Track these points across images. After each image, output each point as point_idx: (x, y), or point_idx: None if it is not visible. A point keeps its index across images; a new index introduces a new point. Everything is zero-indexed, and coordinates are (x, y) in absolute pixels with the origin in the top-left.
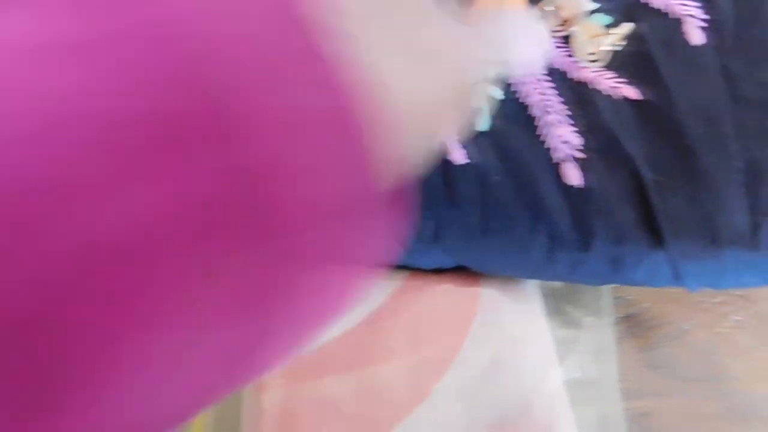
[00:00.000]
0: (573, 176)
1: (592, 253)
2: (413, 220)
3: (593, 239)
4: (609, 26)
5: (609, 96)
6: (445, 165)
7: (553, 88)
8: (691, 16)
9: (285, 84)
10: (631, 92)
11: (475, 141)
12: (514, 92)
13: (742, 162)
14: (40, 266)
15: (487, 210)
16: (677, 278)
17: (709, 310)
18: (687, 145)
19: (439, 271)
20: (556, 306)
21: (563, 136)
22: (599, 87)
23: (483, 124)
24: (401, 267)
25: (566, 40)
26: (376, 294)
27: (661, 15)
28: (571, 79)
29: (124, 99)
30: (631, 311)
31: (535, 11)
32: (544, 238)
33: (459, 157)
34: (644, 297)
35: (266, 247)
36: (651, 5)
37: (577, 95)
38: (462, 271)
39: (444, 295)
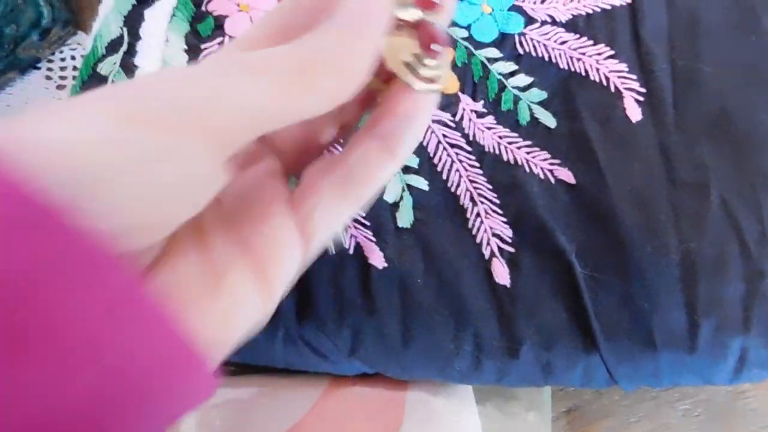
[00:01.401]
0: (501, 274)
1: (521, 359)
2: (330, 333)
3: (521, 345)
4: (543, 102)
5: (542, 180)
6: (362, 270)
7: (482, 174)
8: (630, 89)
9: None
10: (566, 175)
11: (396, 240)
12: (443, 180)
13: (678, 255)
14: None
15: (407, 318)
16: (612, 381)
17: (655, 399)
18: (621, 236)
19: (363, 376)
20: (492, 402)
21: (494, 228)
22: (534, 170)
23: (404, 219)
24: (323, 373)
25: (494, 107)
26: (299, 402)
27: (599, 88)
28: (504, 162)
29: None
30: (571, 404)
31: None
32: (468, 347)
33: (377, 260)
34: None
35: None
36: (590, 78)
37: (508, 179)
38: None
39: (368, 403)
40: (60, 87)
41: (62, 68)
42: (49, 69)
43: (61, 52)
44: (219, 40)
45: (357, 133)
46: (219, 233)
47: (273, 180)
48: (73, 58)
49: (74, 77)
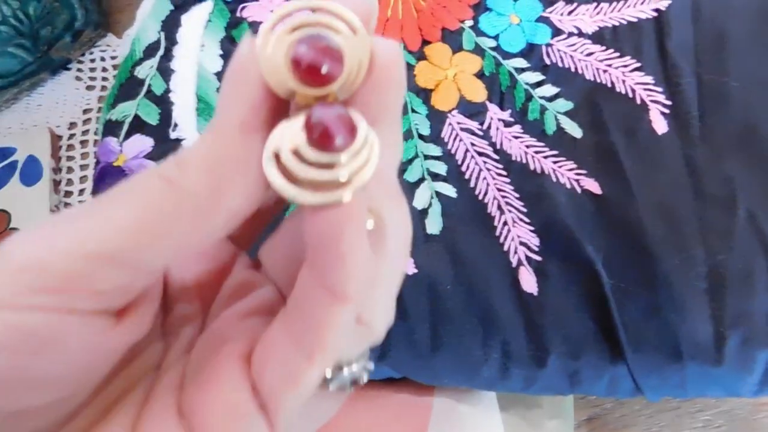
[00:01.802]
0: (528, 282)
1: (548, 368)
2: None
3: (549, 354)
4: (569, 112)
5: (569, 189)
6: None
7: (509, 183)
8: (656, 102)
9: None
10: (592, 185)
11: (425, 246)
12: (471, 188)
13: (705, 267)
14: None
15: (436, 324)
16: (638, 391)
17: (677, 409)
18: (648, 248)
19: (389, 380)
20: (515, 409)
21: (521, 237)
22: (560, 179)
23: (433, 226)
24: None
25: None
26: (326, 405)
27: (625, 100)
28: (530, 171)
29: None
30: (593, 413)
31: None
32: (496, 354)
33: (407, 266)
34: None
35: None
36: (615, 90)
37: (535, 188)
38: (414, 380)
39: (394, 407)
40: (89, 88)
41: (92, 69)
42: (79, 70)
43: (91, 53)
44: None
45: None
46: (164, 397)
47: (249, 320)
48: (102, 59)
49: (104, 78)
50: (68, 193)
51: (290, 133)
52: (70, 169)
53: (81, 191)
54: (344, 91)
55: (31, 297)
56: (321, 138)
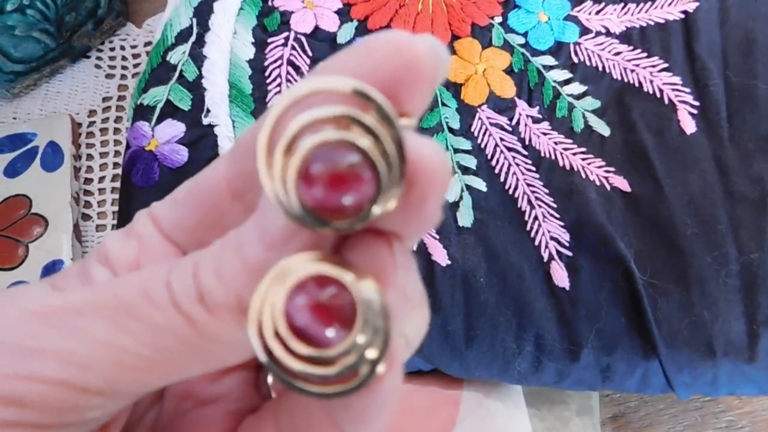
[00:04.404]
0: (560, 277)
1: (581, 362)
2: None
3: (582, 348)
4: (596, 110)
5: (599, 187)
6: (426, 266)
7: (539, 179)
8: (684, 102)
9: None
10: (621, 183)
11: (458, 239)
12: (500, 183)
13: (738, 265)
14: None
15: (470, 316)
16: (670, 388)
17: (700, 409)
18: (680, 245)
19: (419, 373)
20: (540, 406)
21: (552, 232)
22: (589, 176)
23: (465, 219)
24: None
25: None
26: None
27: (653, 100)
28: (560, 167)
29: None
30: (617, 411)
31: None
32: (530, 347)
33: (441, 257)
34: (632, 394)
35: None
36: (643, 89)
37: (565, 184)
38: (443, 373)
39: (424, 400)
40: (109, 76)
41: (111, 58)
42: (99, 58)
43: (111, 42)
44: (285, 35)
45: None
46: None
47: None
48: (122, 48)
49: (123, 67)
50: (88, 180)
51: (272, 308)
52: (90, 157)
53: (101, 179)
54: (382, 204)
55: None
56: (302, 335)
